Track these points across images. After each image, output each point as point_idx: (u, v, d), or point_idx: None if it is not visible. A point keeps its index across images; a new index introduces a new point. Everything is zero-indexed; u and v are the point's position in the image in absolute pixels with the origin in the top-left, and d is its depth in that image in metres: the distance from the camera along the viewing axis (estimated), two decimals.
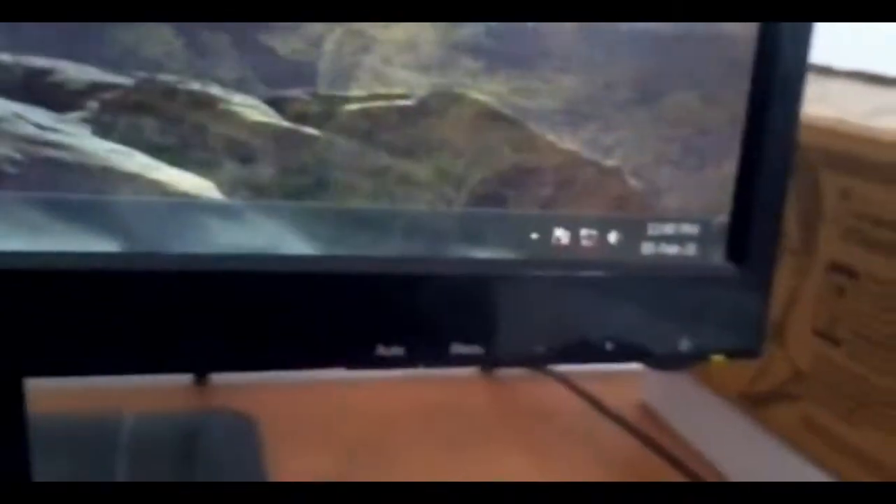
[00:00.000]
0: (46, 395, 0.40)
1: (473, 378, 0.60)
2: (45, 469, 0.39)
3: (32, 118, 0.25)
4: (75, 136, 0.25)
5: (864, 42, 0.69)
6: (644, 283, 0.33)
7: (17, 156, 0.25)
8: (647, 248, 0.33)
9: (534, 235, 0.31)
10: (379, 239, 0.29)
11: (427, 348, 0.30)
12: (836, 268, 0.41)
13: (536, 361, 0.32)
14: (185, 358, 0.28)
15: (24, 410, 0.32)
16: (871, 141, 0.39)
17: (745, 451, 0.48)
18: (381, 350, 0.29)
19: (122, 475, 0.42)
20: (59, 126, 0.25)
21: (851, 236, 0.40)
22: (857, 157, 0.39)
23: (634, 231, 0.33)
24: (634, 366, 0.59)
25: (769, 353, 0.45)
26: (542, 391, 0.58)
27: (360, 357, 0.30)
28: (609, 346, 0.33)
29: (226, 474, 0.43)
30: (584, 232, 0.32)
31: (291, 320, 0.29)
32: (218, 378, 0.55)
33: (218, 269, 0.27)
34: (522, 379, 0.60)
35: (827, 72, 0.55)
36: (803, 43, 0.33)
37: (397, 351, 0.29)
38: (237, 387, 0.54)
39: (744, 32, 0.32)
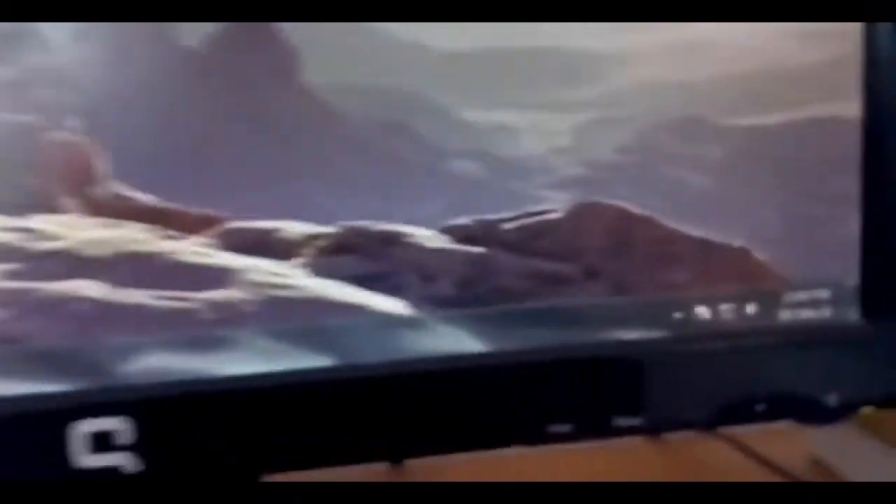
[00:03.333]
0: None
1: (639, 442, 0.63)
2: None
3: (263, 267, 0.32)
4: (296, 278, 0.32)
5: None
6: (786, 346, 0.36)
7: (253, 297, 0.32)
8: (785, 315, 0.37)
9: (677, 315, 0.35)
10: (540, 332, 0.34)
11: (592, 423, 0.35)
12: None
13: (691, 427, 0.36)
14: (386, 446, 0.34)
15: None
16: None
17: None
18: (552, 428, 0.34)
19: None
20: (283, 271, 0.32)
21: None
22: None
23: (770, 301, 0.36)
24: None
25: None
26: (708, 452, 0.61)
27: (533, 436, 0.35)
28: (759, 407, 0.36)
29: None
30: (723, 307, 0.36)
31: (472, 408, 0.34)
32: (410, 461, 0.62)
33: (411, 371, 0.33)
34: (688, 441, 0.63)
35: None
36: None
37: (565, 428, 0.34)
38: (428, 466, 0.60)
39: (847, 114, 0.36)
